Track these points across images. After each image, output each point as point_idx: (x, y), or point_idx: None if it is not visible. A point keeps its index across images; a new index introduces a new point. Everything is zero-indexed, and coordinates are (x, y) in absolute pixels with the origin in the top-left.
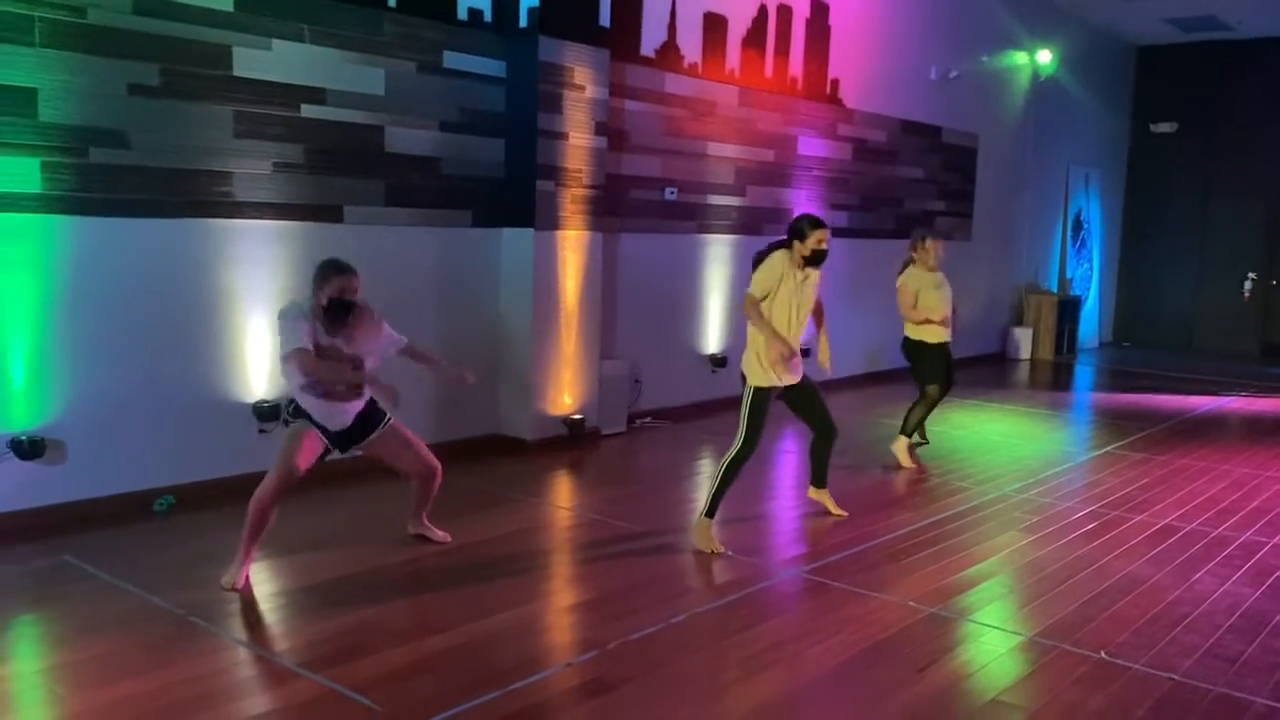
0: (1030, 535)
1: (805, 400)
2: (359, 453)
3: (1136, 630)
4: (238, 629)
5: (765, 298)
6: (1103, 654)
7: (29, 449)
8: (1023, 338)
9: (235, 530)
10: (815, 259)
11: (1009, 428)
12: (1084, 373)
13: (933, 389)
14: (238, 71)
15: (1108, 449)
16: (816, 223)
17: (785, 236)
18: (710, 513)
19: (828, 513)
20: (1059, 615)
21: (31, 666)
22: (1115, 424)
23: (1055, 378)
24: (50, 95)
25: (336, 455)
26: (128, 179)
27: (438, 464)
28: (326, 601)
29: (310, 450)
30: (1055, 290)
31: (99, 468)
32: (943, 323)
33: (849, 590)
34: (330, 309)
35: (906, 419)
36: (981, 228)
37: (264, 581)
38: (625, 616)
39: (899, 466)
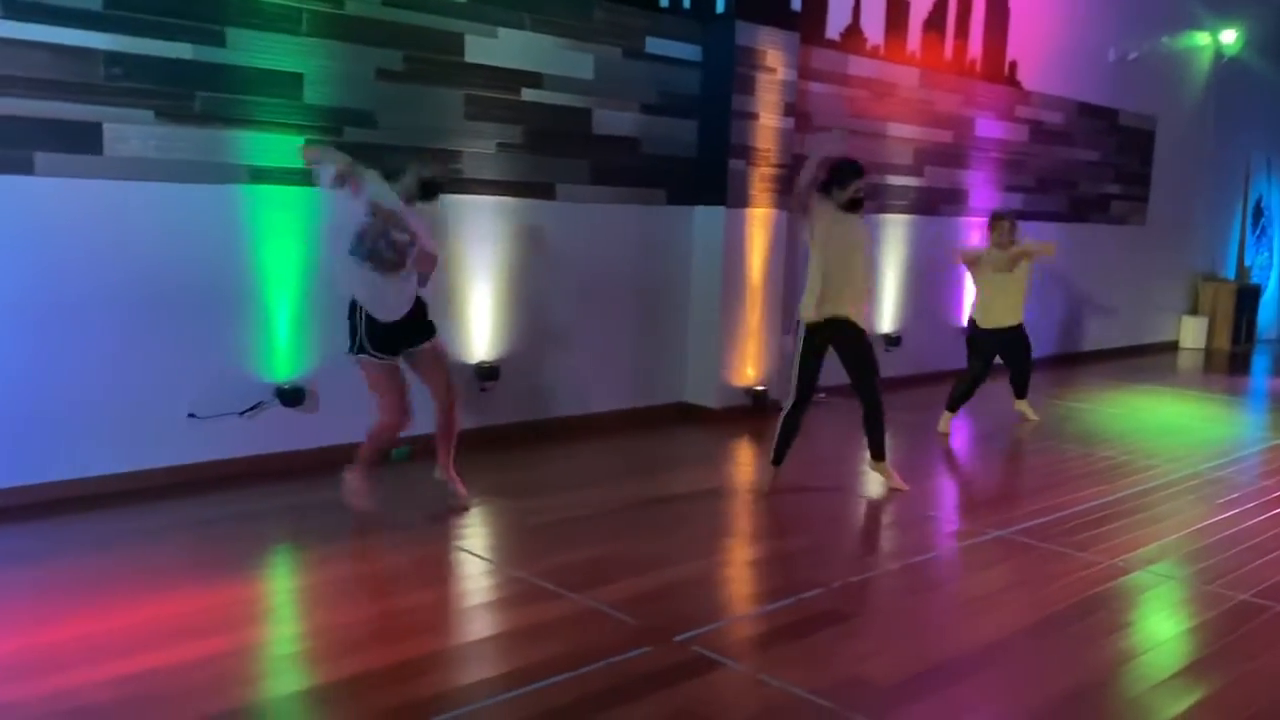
0: (1231, 509)
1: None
2: (406, 362)
3: None
4: (497, 555)
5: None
6: None
7: (291, 396)
8: (1198, 326)
9: (466, 477)
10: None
11: (1192, 412)
12: (1264, 362)
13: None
14: (469, 58)
15: None
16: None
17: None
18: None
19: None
20: (1273, 579)
21: (328, 576)
22: None
23: (1234, 366)
24: (313, 79)
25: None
26: (375, 156)
27: (455, 397)
28: (563, 538)
29: (393, 377)
30: (1233, 278)
31: (346, 417)
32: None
33: (1055, 550)
34: (427, 187)
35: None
36: (1158, 213)
37: (508, 521)
38: (843, 561)
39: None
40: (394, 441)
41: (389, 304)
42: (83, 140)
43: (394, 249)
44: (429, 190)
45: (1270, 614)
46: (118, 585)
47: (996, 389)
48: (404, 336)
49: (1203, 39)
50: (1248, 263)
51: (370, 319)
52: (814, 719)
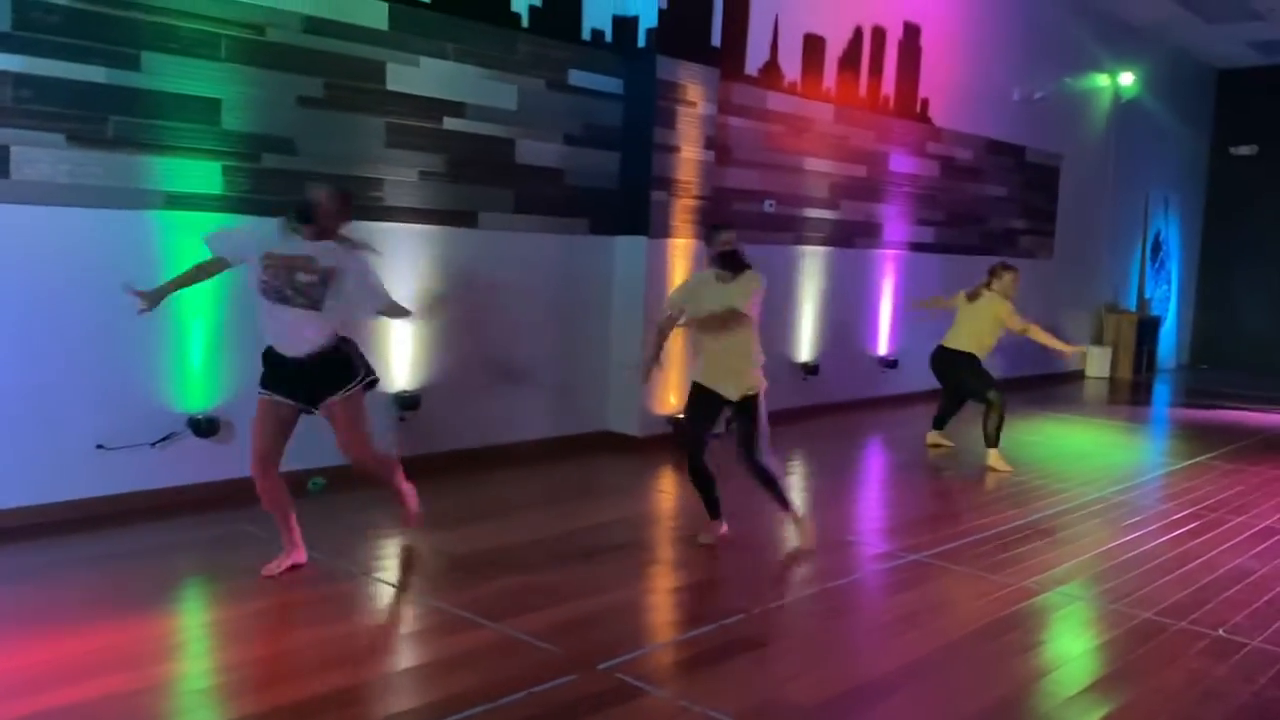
0: (1136, 531)
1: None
2: (317, 412)
3: (1252, 612)
4: (416, 586)
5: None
6: (1221, 631)
7: (205, 427)
8: (1102, 356)
9: (384, 508)
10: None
11: (1099, 438)
12: (1165, 391)
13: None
14: (391, 86)
15: (1199, 459)
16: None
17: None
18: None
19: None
20: (1174, 599)
21: (241, 611)
22: (1203, 437)
23: (1137, 395)
24: (231, 105)
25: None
26: (294, 183)
27: (363, 456)
28: (485, 568)
29: (268, 421)
30: (1135, 310)
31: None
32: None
33: (970, 572)
34: (300, 212)
35: (988, 430)
36: (1063, 247)
37: (428, 551)
38: (760, 589)
39: (996, 471)
40: (273, 500)
41: (297, 338)
42: None
43: (301, 293)
44: (301, 214)
45: (1172, 631)
46: (22, 622)
47: (909, 415)
48: (307, 382)
49: (1103, 80)
50: (1148, 295)
51: (270, 353)
52: None
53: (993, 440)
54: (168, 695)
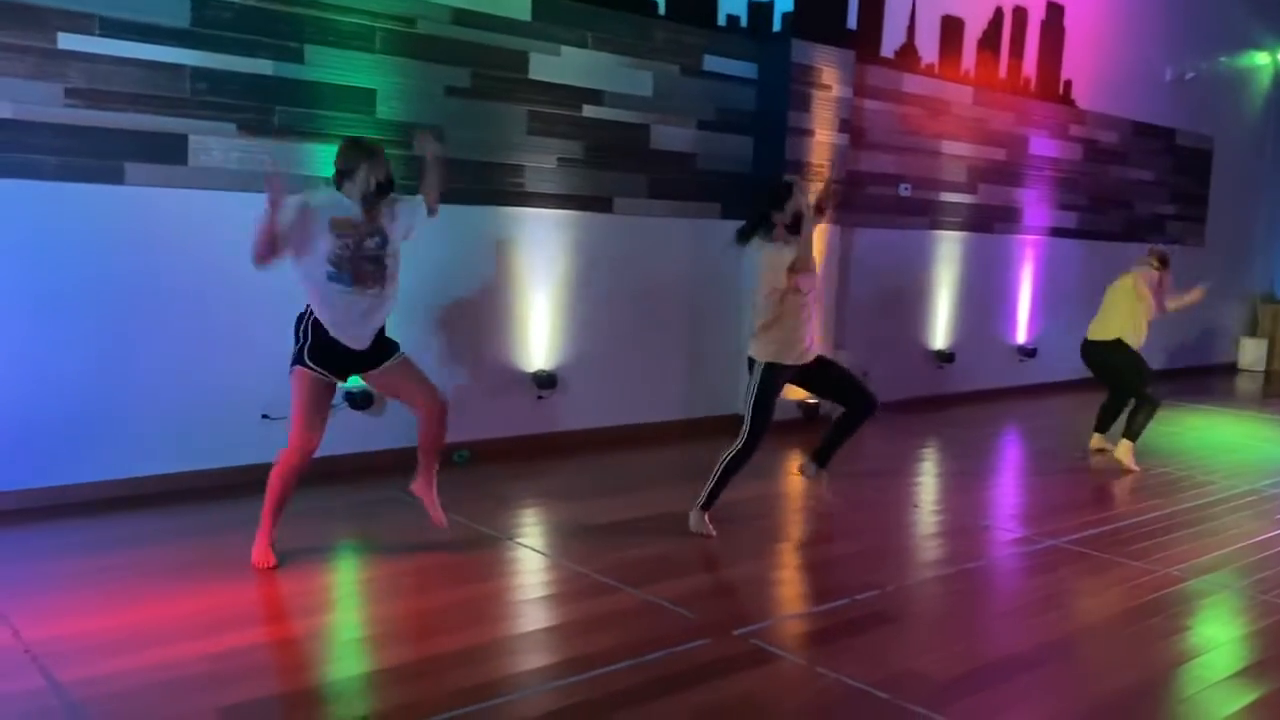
0: None
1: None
2: (372, 385)
3: None
4: (557, 552)
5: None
6: None
7: (360, 400)
8: (1257, 348)
9: (524, 481)
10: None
11: (1251, 431)
12: None
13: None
14: (533, 75)
15: None
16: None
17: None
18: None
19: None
20: None
21: (391, 570)
22: None
23: None
24: (385, 95)
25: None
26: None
27: (444, 403)
28: (622, 538)
29: (323, 397)
30: None
31: (411, 422)
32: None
33: (1110, 559)
34: (381, 190)
35: (1134, 425)
36: (1215, 234)
37: (568, 521)
38: (893, 568)
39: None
40: (293, 483)
41: (362, 327)
42: (169, 152)
43: (373, 261)
44: (383, 191)
45: None
46: (194, 574)
47: (1048, 405)
48: (362, 359)
49: (1262, 59)
50: None
51: (321, 331)
52: (870, 709)
53: (1134, 434)
54: (324, 643)
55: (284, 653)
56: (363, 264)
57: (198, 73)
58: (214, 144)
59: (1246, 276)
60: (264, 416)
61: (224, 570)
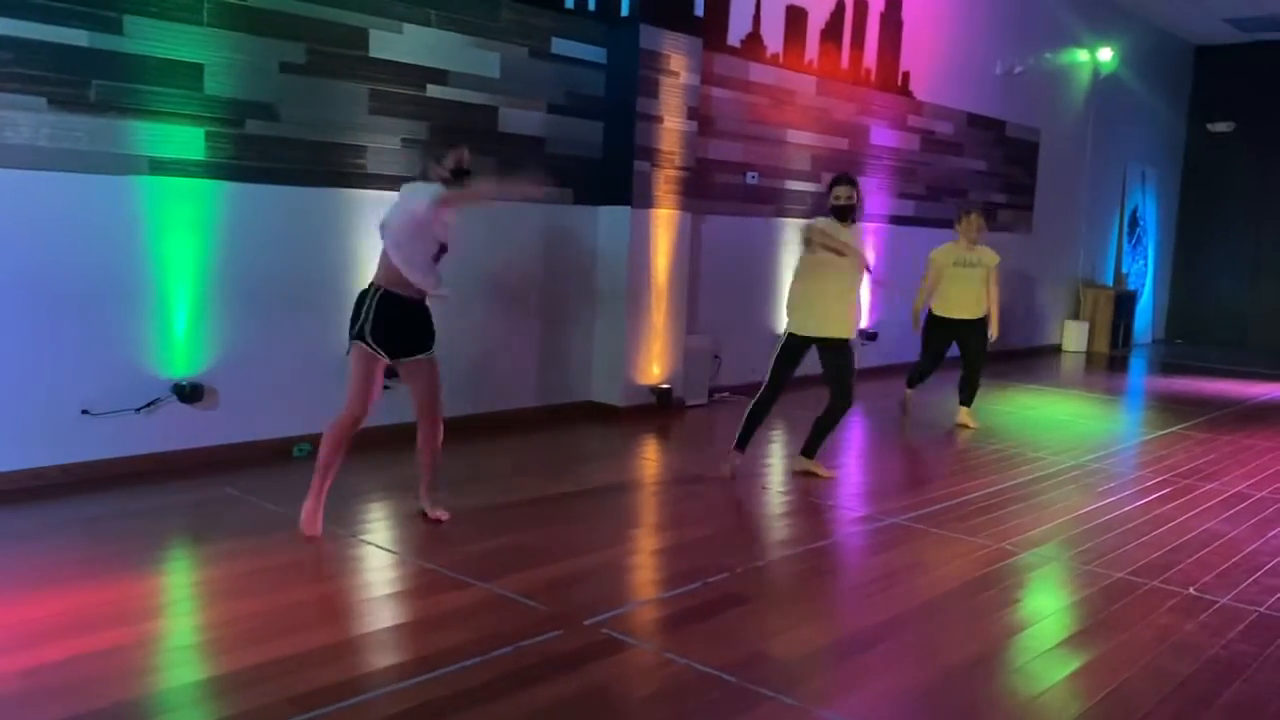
0: (1110, 497)
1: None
2: (400, 370)
3: (1221, 573)
4: (404, 547)
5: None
6: (1191, 590)
7: (189, 393)
8: (1079, 330)
9: (369, 474)
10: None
11: (1074, 409)
12: (1140, 364)
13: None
14: (373, 52)
15: (1172, 429)
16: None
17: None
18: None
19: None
20: (1146, 559)
21: (227, 570)
22: (1177, 409)
23: (1113, 368)
24: (214, 71)
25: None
26: (277, 149)
27: (442, 415)
28: (471, 530)
29: (374, 373)
30: (1111, 285)
31: (246, 414)
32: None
33: (947, 535)
34: (457, 175)
35: (975, 388)
36: (1041, 221)
37: (418, 512)
38: (744, 549)
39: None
40: (341, 448)
41: (430, 277)
42: None
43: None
44: (459, 176)
45: (1144, 590)
46: (13, 581)
47: (888, 387)
48: (408, 339)
49: (1082, 55)
50: (1124, 270)
51: (381, 306)
52: (720, 694)
53: (972, 398)
54: (156, 650)
55: (108, 663)
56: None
57: (2, 41)
58: (21, 119)
59: (1070, 262)
60: (84, 412)
61: (45, 576)
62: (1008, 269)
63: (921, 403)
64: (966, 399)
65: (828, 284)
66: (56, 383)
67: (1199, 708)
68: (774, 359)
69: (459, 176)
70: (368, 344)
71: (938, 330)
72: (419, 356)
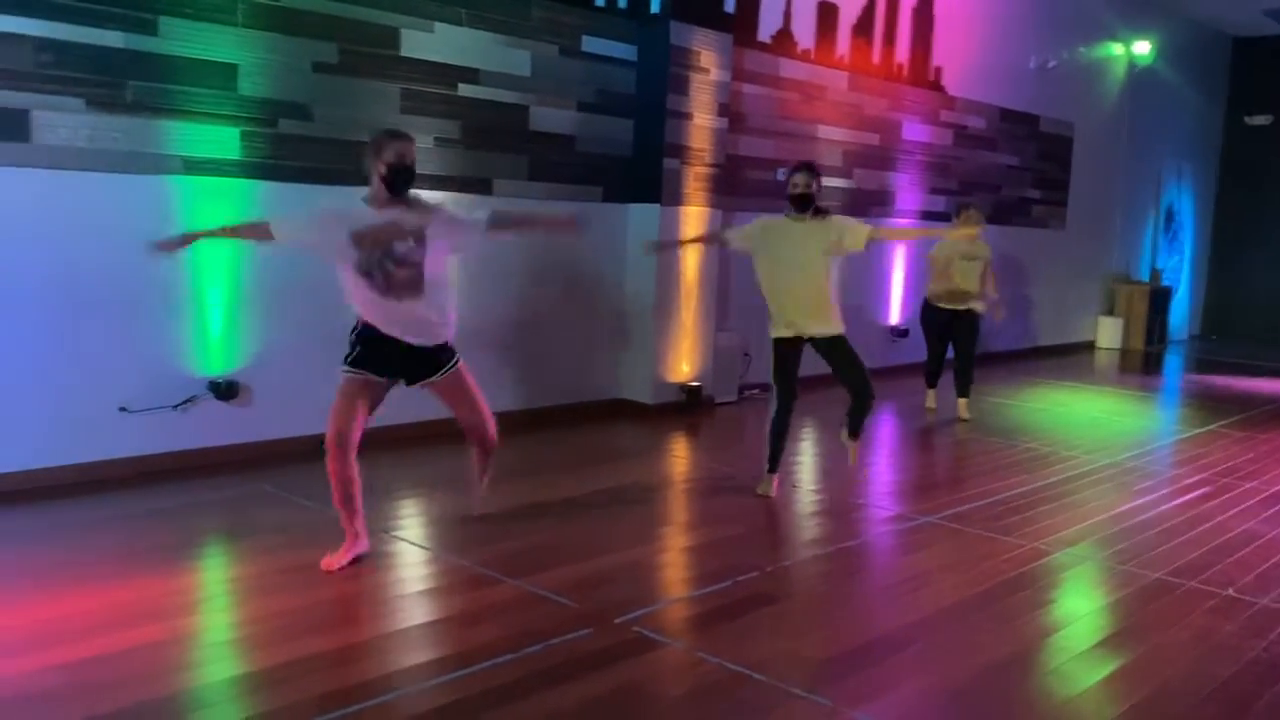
0: (1146, 496)
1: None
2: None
3: (1260, 574)
4: (437, 544)
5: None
6: (1230, 591)
7: (225, 390)
8: (1114, 327)
9: (402, 470)
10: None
11: (1109, 407)
12: (1176, 361)
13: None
14: (404, 52)
15: (1210, 427)
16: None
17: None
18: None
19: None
20: (1184, 560)
21: (263, 567)
22: (1214, 406)
23: (1149, 365)
24: (248, 71)
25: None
26: (310, 148)
27: (493, 433)
28: (504, 527)
29: (357, 399)
30: (1146, 281)
31: (281, 411)
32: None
33: (980, 534)
34: (389, 178)
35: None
36: (1075, 217)
37: (448, 511)
38: (775, 547)
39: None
40: (340, 473)
41: (412, 325)
42: (10, 128)
43: (403, 263)
44: (397, 181)
45: (1181, 591)
46: (51, 577)
47: (919, 384)
48: (408, 368)
49: (1117, 49)
50: (1160, 266)
51: (365, 330)
52: (749, 692)
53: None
54: (190, 647)
55: (143, 659)
56: (393, 270)
57: (41, 44)
58: (60, 120)
59: (1105, 258)
60: (122, 409)
61: (83, 572)
62: (1041, 265)
63: (949, 401)
64: (963, 390)
65: (789, 282)
66: (94, 380)
67: (1238, 711)
68: (771, 372)
69: (398, 175)
70: (347, 369)
71: (932, 317)
72: (431, 380)
